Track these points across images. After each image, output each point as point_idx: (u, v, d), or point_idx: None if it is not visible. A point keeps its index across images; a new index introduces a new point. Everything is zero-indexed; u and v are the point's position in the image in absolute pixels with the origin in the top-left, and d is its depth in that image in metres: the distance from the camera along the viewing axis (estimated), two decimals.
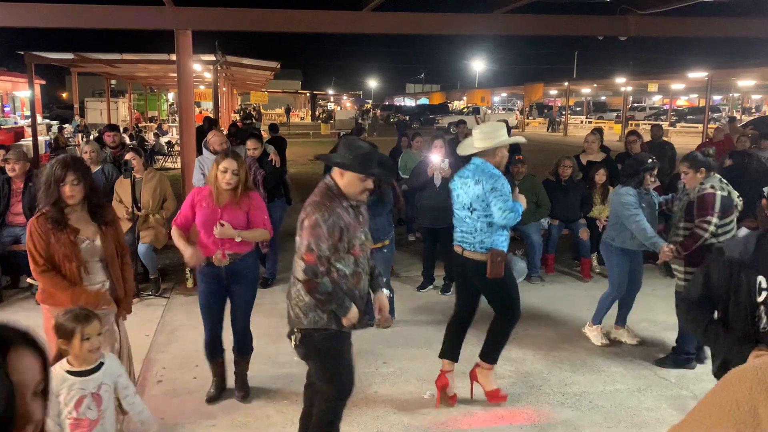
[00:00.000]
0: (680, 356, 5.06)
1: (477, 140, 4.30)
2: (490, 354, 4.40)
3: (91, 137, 15.43)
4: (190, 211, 4.18)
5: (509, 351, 5.09)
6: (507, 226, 4.18)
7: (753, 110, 48.86)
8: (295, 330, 3.29)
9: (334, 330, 3.24)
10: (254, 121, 30.91)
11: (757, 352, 2.41)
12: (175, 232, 4.16)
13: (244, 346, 4.45)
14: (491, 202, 4.10)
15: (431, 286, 6.97)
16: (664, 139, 10.46)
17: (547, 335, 5.69)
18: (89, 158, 6.97)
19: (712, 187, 4.77)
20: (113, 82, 29.88)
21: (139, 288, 6.53)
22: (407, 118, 42.27)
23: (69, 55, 16.11)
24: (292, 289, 3.31)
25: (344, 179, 3.21)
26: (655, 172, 5.36)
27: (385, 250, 5.67)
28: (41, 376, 1.18)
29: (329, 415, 3.39)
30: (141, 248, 6.41)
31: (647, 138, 10.43)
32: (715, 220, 4.70)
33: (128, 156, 6.37)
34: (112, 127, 8.53)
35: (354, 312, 3.22)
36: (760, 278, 2.48)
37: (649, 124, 35.56)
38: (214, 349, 4.41)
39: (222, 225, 4.03)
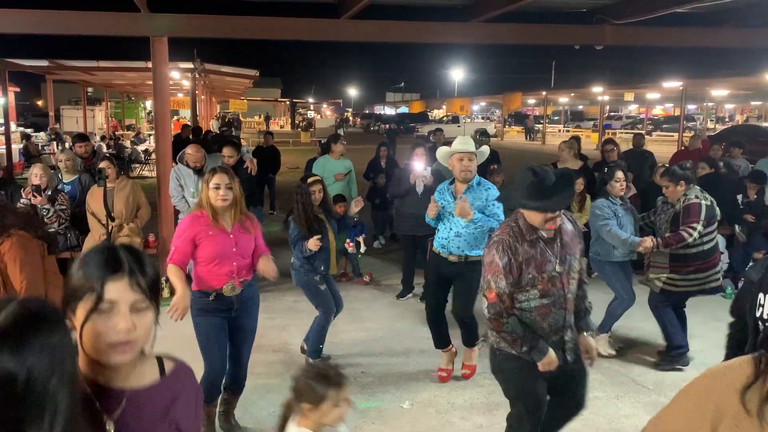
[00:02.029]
0: (674, 352, 5.15)
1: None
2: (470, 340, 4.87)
3: (67, 145, 15.17)
4: (190, 245, 3.67)
5: (486, 360, 5.07)
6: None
7: (726, 119, 49.75)
8: (482, 339, 3.32)
9: (515, 354, 3.18)
10: (233, 129, 30.74)
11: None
12: (173, 271, 3.59)
13: (240, 384, 4.07)
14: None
15: (411, 294, 6.95)
16: (645, 147, 10.58)
17: None
18: (65, 167, 6.84)
19: (696, 197, 5.01)
20: (90, 89, 29.56)
21: None
22: (394, 126, 40.23)
23: (44, 62, 15.89)
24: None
25: (526, 212, 3.15)
26: (620, 177, 5.39)
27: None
28: None
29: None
30: None
31: (627, 146, 10.51)
32: (699, 227, 4.90)
33: (102, 164, 6.26)
34: (82, 137, 8.23)
35: (551, 357, 3.10)
36: (761, 295, 2.63)
37: (625, 133, 36.13)
38: (217, 390, 3.93)
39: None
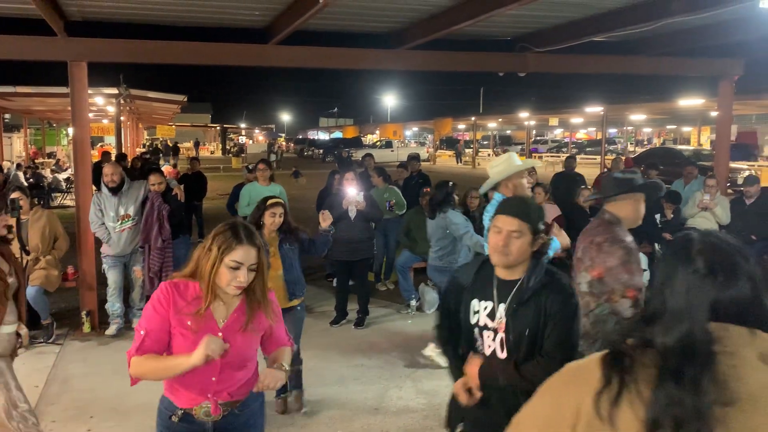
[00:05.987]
0: None
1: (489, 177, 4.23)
2: None
3: None
4: (166, 332, 2.38)
5: (421, 383, 5.06)
6: None
7: (645, 142, 52.33)
8: None
9: None
10: (170, 155, 29.98)
11: (460, 382, 2.55)
12: (143, 363, 2.35)
13: None
14: None
15: (345, 321, 6.87)
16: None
17: None
18: None
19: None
20: (7, 116, 28.21)
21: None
22: (346, 153, 35.83)
23: None
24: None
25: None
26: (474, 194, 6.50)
27: (299, 308, 4.71)
28: None
29: None
30: (30, 291, 5.93)
31: (559, 169, 10.82)
32: None
33: (14, 195, 5.94)
34: None
35: None
36: (474, 301, 2.56)
37: (551, 156, 37.37)
38: None
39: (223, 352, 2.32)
